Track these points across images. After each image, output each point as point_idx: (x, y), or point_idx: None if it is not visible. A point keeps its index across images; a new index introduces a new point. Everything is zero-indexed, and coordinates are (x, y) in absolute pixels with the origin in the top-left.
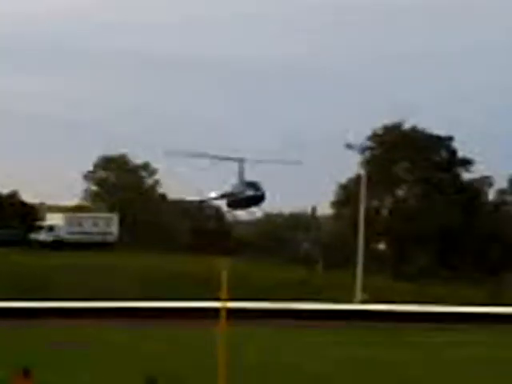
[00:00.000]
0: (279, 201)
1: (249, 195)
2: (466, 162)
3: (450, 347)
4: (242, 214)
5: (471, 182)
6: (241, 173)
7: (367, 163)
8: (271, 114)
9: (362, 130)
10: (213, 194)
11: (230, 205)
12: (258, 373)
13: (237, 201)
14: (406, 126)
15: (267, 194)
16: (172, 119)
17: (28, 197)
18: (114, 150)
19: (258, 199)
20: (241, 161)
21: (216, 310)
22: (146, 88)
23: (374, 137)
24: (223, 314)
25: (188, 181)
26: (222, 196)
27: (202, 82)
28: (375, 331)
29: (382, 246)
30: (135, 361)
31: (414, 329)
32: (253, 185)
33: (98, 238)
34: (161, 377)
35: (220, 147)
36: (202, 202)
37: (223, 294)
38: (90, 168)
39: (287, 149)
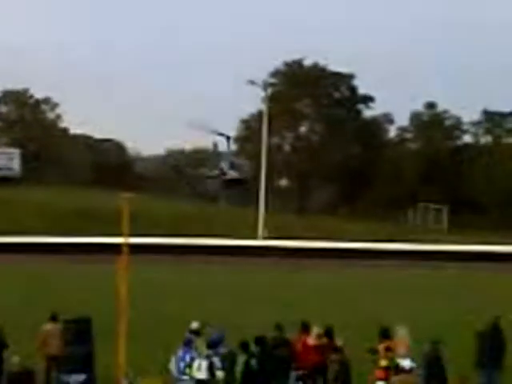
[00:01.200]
0: (181, 136)
1: (231, 178)
2: (367, 99)
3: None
4: (144, 150)
5: (372, 119)
6: (227, 154)
7: (269, 99)
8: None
9: (264, 66)
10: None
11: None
12: (160, 309)
13: (222, 181)
14: (307, 62)
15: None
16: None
17: None
18: (15, 84)
19: (239, 182)
20: (228, 138)
21: (118, 246)
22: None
23: (277, 73)
24: (125, 249)
25: (92, 116)
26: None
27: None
28: (277, 267)
29: (284, 183)
30: (43, 296)
31: (315, 265)
32: (236, 167)
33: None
34: (64, 313)
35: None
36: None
37: (125, 229)
38: None
39: None
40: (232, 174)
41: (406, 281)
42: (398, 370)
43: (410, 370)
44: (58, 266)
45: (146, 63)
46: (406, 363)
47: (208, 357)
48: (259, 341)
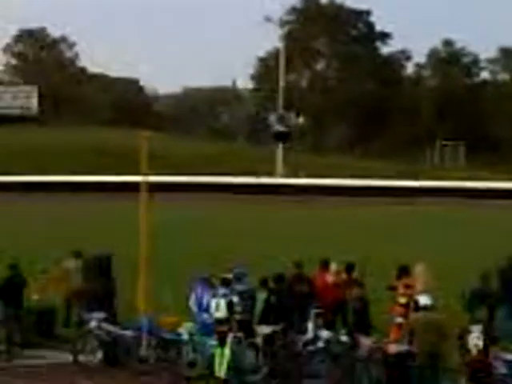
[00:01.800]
0: (199, 75)
1: (275, 131)
2: (384, 36)
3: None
4: (161, 88)
5: (389, 56)
6: (277, 105)
7: (286, 37)
8: None
9: (280, 3)
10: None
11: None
12: (183, 246)
13: (269, 134)
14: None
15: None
16: None
17: None
18: (32, 23)
19: (286, 136)
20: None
21: (137, 184)
22: None
23: (293, 10)
24: (144, 187)
25: (111, 54)
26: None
27: None
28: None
29: (300, 120)
30: (65, 233)
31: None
32: (283, 119)
33: (18, 112)
34: (86, 250)
35: None
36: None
37: (144, 167)
38: (8, 41)
39: None
40: (279, 128)
41: (422, 217)
42: (418, 307)
43: (430, 307)
44: (80, 204)
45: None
46: (424, 300)
47: (225, 295)
48: (278, 278)
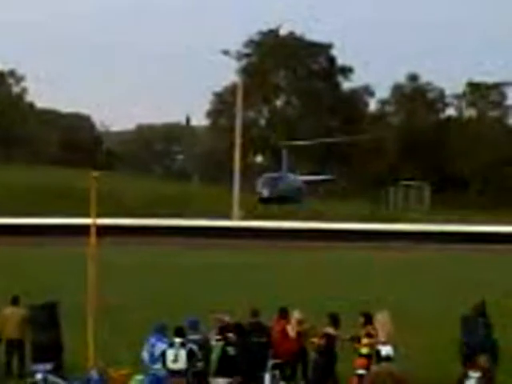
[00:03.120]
0: (152, 111)
1: (265, 197)
2: (346, 70)
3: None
4: (113, 125)
5: (351, 92)
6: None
7: (243, 71)
8: None
9: (238, 36)
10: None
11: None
12: (130, 292)
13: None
14: (283, 32)
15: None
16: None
17: None
18: None
19: (279, 200)
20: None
21: (86, 227)
22: None
23: (251, 43)
24: (93, 230)
25: (59, 88)
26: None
27: None
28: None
29: (259, 159)
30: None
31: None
32: (272, 184)
33: None
34: (31, 297)
35: None
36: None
37: (93, 210)
38: None
39: None
40: (264, 193)
41: (387, 262)
42: (380, 357)
43: (390, 358)
44: (25, 248)
45: (116, 31)
46: (386, 351)
47: (183, 345)
48: (238, 329)
